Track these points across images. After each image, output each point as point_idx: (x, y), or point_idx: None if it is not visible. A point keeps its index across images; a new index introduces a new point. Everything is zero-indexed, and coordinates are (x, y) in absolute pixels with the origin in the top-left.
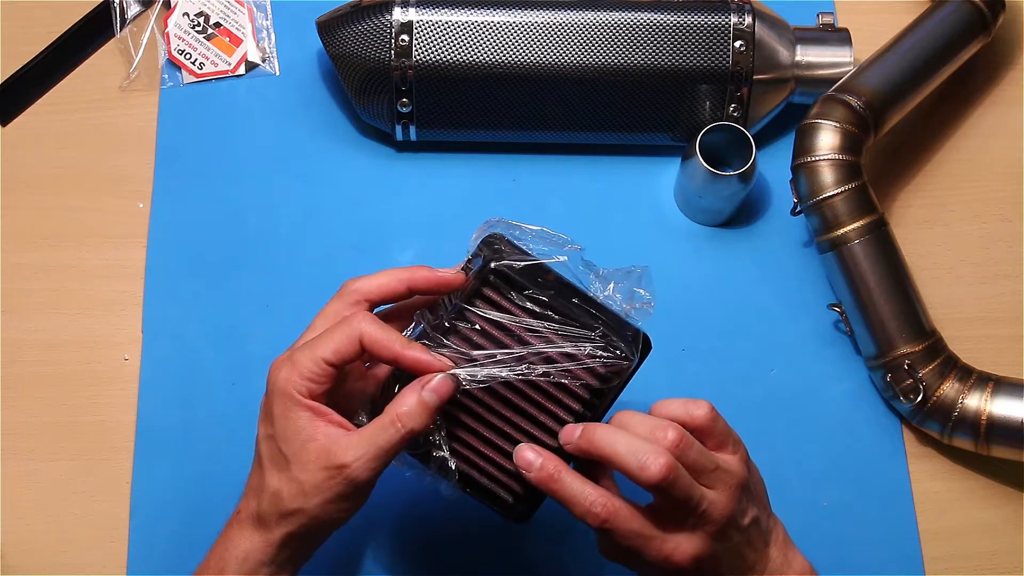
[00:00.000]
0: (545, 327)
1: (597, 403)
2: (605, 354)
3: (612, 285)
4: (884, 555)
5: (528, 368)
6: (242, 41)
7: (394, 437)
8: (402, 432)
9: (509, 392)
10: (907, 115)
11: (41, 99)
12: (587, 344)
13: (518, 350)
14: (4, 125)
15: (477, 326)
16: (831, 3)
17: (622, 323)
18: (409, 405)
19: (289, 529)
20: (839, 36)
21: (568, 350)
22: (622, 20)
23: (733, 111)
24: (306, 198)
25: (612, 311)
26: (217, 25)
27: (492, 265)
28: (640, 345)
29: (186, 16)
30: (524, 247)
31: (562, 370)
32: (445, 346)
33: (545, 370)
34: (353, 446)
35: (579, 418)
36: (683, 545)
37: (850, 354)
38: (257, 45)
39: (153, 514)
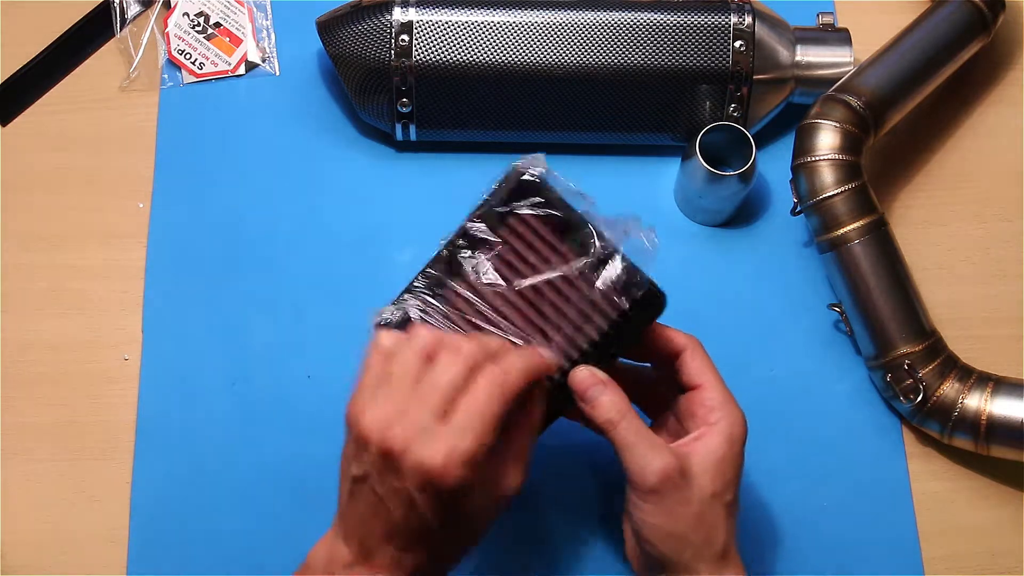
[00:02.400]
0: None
1: (622, 326)
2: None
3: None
4: (884, 555)
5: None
6: (242, 41)
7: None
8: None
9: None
10: (907, 115)
11: (41, 99)
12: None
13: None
14: (4, 125)
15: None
16: (831, 3)
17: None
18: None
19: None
20: (839, 36)
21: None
22: (622, 20)
23: (733, 111)
24: (306, 198)
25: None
26: (217, 25)
27: (529, 173)
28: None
29: (186, 16)
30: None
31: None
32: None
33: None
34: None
35: (603, 339)
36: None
37: (850, 354)
38: (257, 45)
39: (153, 514)
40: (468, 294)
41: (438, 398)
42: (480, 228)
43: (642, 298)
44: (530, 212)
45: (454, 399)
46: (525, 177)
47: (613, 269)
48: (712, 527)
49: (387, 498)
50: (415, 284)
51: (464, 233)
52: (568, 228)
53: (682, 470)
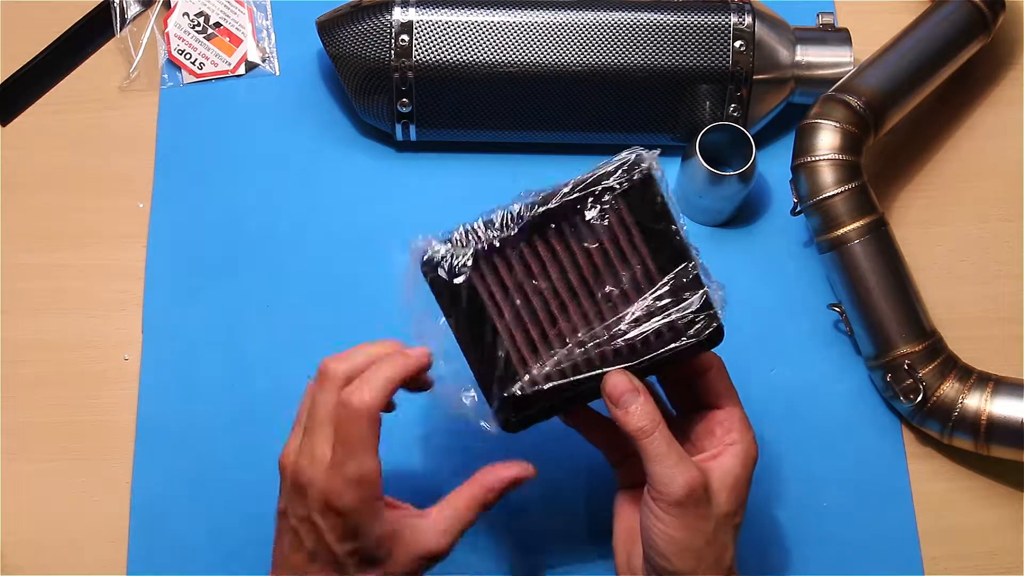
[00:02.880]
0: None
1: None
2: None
3: None
4: (884, 555)
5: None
6: (242, 41)
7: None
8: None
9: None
10: (907, 115)
11: (41, 99)
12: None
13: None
14: (4, 125)
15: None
16: (831, 3)
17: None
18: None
19: None
20: (839, 36)
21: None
22: (622, 20)
23: (733, 111)
24: (306, 198)
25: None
26: (217, 25)
27: (648, 170)
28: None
29: (186, 16)
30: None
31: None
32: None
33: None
34: (440, 532)
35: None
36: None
37: (850, 354)
38: (257, 45)
39: (153, 514)
40: (533, 267)
41: (322, 430)
42: (571, 207)
43: (709, 338)
44: (629, 214)
45: (336, 428)
46: (649, 173)
47: (693, 300)
48: (723, 546)
49: (299, 527)
50: (481, 227)
51: (551, 201)
52: (661, 240)
53: (706, 485)
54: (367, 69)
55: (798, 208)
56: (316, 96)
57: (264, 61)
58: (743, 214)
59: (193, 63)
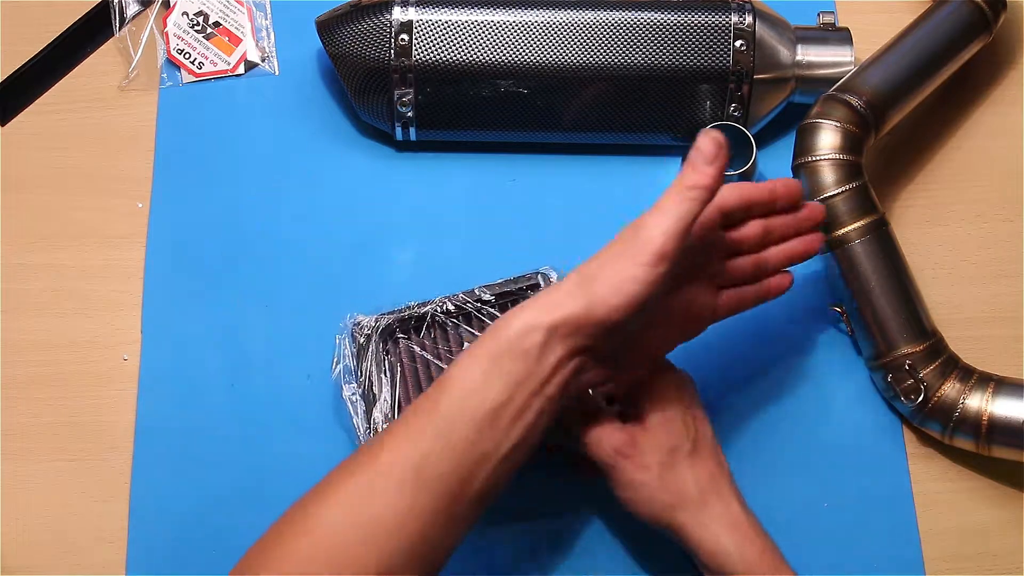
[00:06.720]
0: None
1: None
2: None
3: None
4: (884, 555)
5: None
6: (241, 40)
7: (690, 204)
8: (696, 197)
9: None
10: (908, 115)
11: (41, 99)
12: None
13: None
14: (3, 125)
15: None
16: (832, 2)
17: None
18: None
19: (567, 333)
20: (840, 35)
21: None
22: (622, 19)
23: (734, 111)
24: (306, 198)
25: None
26: (216, 24)
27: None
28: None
29: (185, 15)
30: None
31: None
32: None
33: None
34: (654, 222)
35: None
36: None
37: (851, 354)
38: (256, 45)
39: (153, 514)
40: (429, 352)
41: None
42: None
43: None
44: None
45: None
46: None
47: None
48: (678, 481)
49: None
50: (397, 316)
51: (466, 301)
52: None
53: (633, 441)
54: (367, 69)
55: None
56: (316, 96)
57: (263, 61)
58: None
59: (192, 63)
